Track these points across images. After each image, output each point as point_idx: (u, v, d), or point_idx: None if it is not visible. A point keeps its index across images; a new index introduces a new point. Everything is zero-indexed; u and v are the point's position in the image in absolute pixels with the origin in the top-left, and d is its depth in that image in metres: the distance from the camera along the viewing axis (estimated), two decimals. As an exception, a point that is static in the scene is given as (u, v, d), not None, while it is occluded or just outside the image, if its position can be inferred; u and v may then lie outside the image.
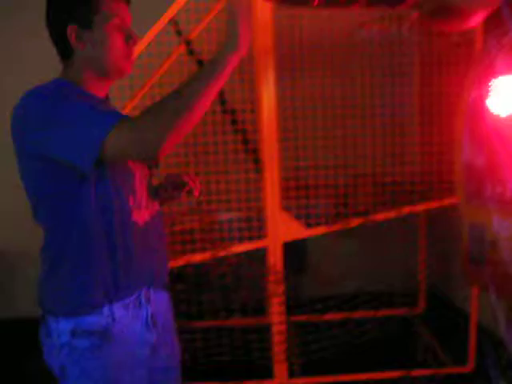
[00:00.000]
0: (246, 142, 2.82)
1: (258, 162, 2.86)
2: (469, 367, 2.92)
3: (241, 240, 2.72)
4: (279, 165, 2.66)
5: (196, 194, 1.76)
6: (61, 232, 1.49)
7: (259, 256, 3.22)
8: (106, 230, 1.48)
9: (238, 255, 2.85)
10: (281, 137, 2.66)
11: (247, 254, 2.84)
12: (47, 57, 1.79)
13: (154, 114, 1.29)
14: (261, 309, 3.34)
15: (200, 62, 2.74)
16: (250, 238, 2.72)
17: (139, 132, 1.29)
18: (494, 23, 1.57)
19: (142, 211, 1.58)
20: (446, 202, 2.79)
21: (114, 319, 1.51)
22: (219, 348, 3.01)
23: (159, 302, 1.66)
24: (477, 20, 1.37)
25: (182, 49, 2.75)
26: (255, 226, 2.70)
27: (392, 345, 3.38)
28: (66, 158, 1.37)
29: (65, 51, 1.50)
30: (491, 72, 1.51)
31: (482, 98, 1.57)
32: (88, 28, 1.46)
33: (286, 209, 2.74)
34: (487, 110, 1.54)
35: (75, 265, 1.49)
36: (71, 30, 1.46)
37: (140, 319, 1.59)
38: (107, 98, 1.61)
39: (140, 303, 1.58)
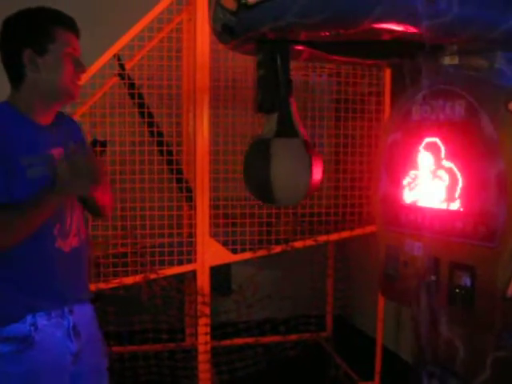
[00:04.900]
0: (179, 171, 3.02)
1: (190, 191, 3.07)
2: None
3: (171, 263, 2.89)
4: (210, 195, 2.89)
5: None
6: None
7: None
8: (25, 255, 1.60)
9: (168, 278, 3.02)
10: (212, 169, 2.90)
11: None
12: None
13: (4, 223, 1.52)
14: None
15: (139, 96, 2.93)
16: (180, 262, 2.90)
17: None
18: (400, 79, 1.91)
19: (70, 239, 1.71)
20: (357, 232, 3.14)
21: (36, 327, 1.60)
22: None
23: (83, 313, 1.76)
24: None
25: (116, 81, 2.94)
26: (185, 251, 2.88)
27: (306, 365, 3.66)
28: None
29: (16, 75, 1.62)
30: (407, 120, 1.83)
31: (398, 141, 1.89)
32: (43, 54, 1.60)
33: (214, 235, 2.96)
34: (403, 151, 1.87)
35: None
36: (26, 55, 1.59)
37: (62, 328, 1.67)
38: (54, 122, 1.72)
39: (63, 314, 1.68)
